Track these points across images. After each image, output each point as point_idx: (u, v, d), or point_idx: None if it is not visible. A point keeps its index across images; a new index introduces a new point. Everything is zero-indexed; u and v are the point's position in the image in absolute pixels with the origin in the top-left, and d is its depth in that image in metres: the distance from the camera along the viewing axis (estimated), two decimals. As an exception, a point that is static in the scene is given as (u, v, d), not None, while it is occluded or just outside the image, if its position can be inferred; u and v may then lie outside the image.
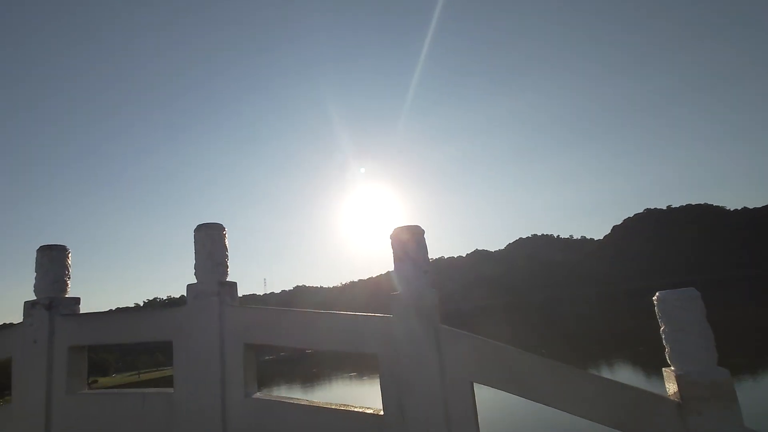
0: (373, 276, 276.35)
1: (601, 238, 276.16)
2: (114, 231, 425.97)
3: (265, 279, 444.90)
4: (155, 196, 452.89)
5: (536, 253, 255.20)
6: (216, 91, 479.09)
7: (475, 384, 3.84)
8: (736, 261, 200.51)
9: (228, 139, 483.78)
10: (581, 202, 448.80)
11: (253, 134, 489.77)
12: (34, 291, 5.15)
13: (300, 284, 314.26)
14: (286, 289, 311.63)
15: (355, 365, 75.32)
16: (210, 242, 4.72)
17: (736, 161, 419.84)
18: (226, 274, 4.76)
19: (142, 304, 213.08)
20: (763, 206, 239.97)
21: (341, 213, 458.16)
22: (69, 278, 5.31)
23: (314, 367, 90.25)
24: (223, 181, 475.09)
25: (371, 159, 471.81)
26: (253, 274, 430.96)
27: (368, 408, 4.07)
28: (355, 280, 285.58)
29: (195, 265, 4.73)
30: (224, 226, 4.90)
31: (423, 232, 4.27)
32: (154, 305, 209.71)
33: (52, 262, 5.18)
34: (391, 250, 4.27)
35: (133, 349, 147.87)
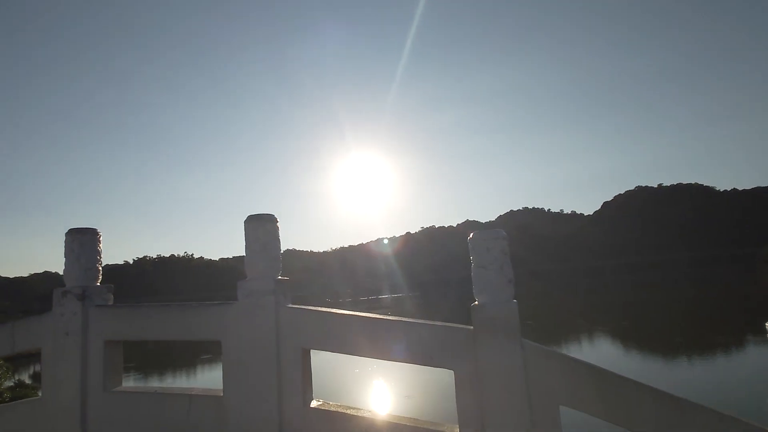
0: (364, 242, 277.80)
1: (591, 213, 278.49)
2: (102, 185, 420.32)
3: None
4: (139, 148, 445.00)
5: (527, 226, 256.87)
6: (203, 48, 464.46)
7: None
8: (722, 240, 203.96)
9: (216, 96, 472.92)
10: (573, 177, 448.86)
11: (241, 92, 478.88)
12: (64, 278, 4.74)
13: (290, 248, 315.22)
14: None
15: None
16: (264, 235, 4.31)
17: (729, 142, 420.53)
18: (280, 269, 4.38)
19: (132, 262, 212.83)
20: (752, 188, 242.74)
21: (332, 178, 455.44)
22: (101, 265, 4.90)
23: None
24: (209, 137, 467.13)
25: (364, 125, 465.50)
26: (241, 235, 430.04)
27: (441, 425, 3.78)
28: (346, 246, 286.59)
29: (246, 259, 4.34)
30: (277, 218, 4.48)
31: (506, 237, 3.89)
32: (144, 264, 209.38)
33: (83, 247, 4.75)
34: (472, 257, 3.89)
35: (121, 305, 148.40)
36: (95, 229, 4.86)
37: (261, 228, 4.31)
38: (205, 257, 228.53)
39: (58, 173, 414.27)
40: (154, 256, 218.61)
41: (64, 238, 4.77)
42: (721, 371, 36.03)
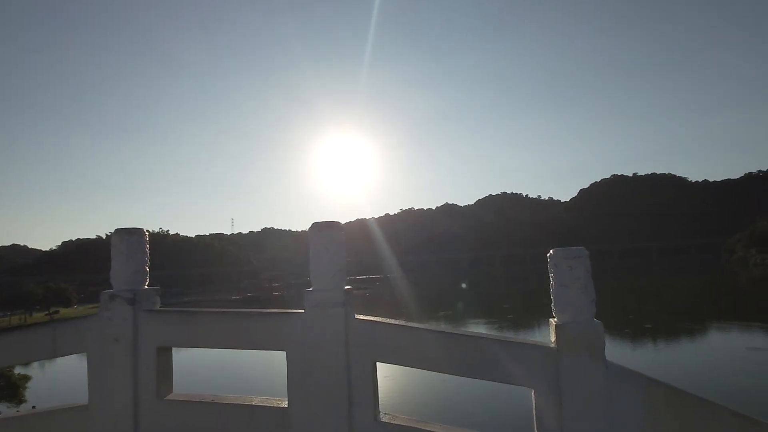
0: (342, 222, 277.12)
1: (568, 200, 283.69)
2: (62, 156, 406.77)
3: (233, 219, 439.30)
4: (117, 122, 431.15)
5: (504, 211, 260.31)
6: (179, 25, 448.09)
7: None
8: (691, 230, 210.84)
9: (195, 74, 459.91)
10: (552, 164, 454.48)
11: (216, 72, 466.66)
12: (112, 281, 4.52)
13: (268, 226, 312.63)
14: (254, 230, 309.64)
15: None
16: (332, 244, 4.18)
17: (704, 133, 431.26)
18: (345, 280, 4.25)
19: (104, 237, 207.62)
20: (722, 180, 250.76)
21: (311, 158, 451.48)
22: (148, 266, 4.70)
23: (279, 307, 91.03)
24: (187, 116, 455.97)
25: (339, 106, 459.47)
26: (220, 212, 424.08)
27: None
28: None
29: (312, 268, 4.20)
30: (342, 226, 4.34)
31: (588, 256, 3.83)
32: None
33: (132, 249, 4.53)
34: (552, 273, 3.83)
35: (93, 279, 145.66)
36: (142, 229, 4.64)
37: (329, 237, 4.17)
38: (180, 234, 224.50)
39: (31, 142, 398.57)
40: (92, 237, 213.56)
41: (111, 239, 4.54)
42: (687, 355, 37.69)
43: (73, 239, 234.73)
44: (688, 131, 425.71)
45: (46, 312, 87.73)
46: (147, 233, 4.63)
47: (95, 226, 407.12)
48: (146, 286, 4.63)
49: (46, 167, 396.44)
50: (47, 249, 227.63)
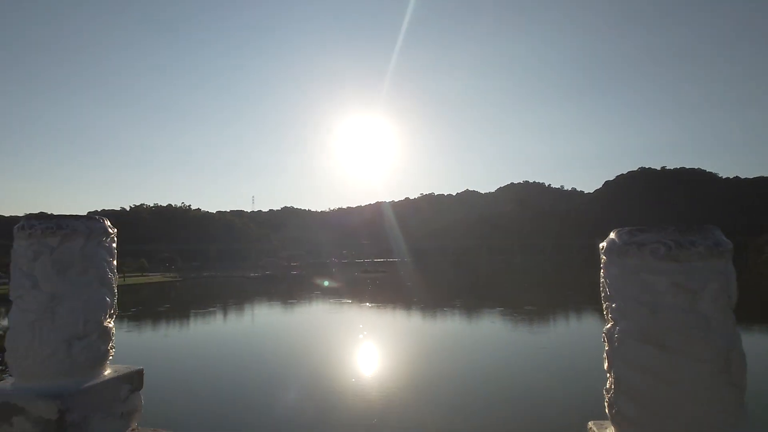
0: (362, 205, 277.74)
1: (592, 191, 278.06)
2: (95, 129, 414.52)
3: (253, 196, 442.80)
4: (144, 99, 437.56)
5: (525, 200, 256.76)
6: (206, 5, 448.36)
7: None
8: (721, 228, 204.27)
9: (219, 53, 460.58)
10: (577, 153, 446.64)
11: (244, 50, 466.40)
12: None
13: (288, 205, 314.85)
14: (274, 208, 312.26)
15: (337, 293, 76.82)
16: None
17: (738, 129, 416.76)
18: None
19: (128, 209, 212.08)
20: (754, 177, 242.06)
21: (333, 139, 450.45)
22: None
23: (296, 286, 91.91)
24: (212, 93, 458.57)
25: (365, 87, 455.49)
26: (242, 189, 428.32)
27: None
28: (344, 207, 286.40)
29: None
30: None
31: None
32: (141, 212, 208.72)
33: None
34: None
35: (116, 251, 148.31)
36: None
37: None
38: (202, 209, 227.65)
39: (63, 117, 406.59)
40: (151, 205, 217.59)
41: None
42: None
43: (98, 210, 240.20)
44: (720, 126, 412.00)
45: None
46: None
47: (120, 199, 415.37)
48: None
49: (76, 141, 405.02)
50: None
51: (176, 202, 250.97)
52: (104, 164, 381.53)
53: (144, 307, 67.18)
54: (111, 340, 3.23)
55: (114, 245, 3.50)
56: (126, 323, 52.60)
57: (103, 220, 3.37)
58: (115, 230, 3.50)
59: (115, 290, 3.38)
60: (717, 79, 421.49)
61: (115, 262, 3.44)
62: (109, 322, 3.23)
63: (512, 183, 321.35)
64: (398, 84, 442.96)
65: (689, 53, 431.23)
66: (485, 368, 30.60)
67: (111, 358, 3.26)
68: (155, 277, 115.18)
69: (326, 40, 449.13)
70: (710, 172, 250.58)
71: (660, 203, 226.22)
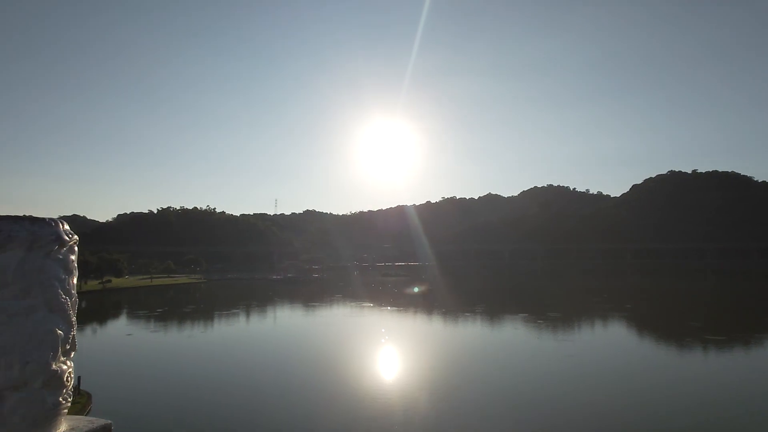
0: (383, 208, 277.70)
1: (618, 195, 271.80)
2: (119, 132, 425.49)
3: (276, 200, 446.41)
4: (169, 102, 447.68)
5: (549, 203, 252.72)
6: (229, 7, 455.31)
7: None
8: (754, 233, 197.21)
9: (242, 55, 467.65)
10: (602, 157, 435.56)
11: (266, 51, 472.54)
12: None
13: (310, 208, 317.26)
14: (297, 211, 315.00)
15: (363, 297, 76.75)
16: None
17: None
18: None
19: (156, 212, 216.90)
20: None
21: (355, 142, 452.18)
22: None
23: (317, 289, 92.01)
24: (236, 96, 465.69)
25: (385, 90, 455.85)
26: (265, 192, 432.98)
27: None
28: (365, 210, 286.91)
29: None
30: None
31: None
32: (168, 214, 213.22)
33: None
34: None
35: (144, 252, 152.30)
36: None
37: None
38: (227, 212, 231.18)
39: (87, 118, 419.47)
40: (178, 208, 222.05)
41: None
42: (738, 363, 34.31)
43: (128, 212, 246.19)
44: (756, 127, 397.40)
45: (100, 281, 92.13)
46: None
47: (148, 201, 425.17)
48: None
49: (107, 145, 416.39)
50: (104, 221, 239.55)
51: (201, 205, 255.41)
52: (134, 169, 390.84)
53: (170, 307, 68.56)
54: (66, 386, 2.39)
55: (73, 257, 2.53)
56: (153, 323, 53.75)
57: (57, 224, 2.42)
58: (76, 237, 2.54)
59: (73, 317, 2.46)
60: (752, 78, 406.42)
61: (74, 280, 2.52)
62: (63, 363, 2.37)
63: (536, 187, 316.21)
64: (417, 87, 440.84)
65: (721, 51, 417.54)
66: (512, 375, 30.07)
67: (65, 411, 2.43)
68: (181, 278, 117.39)
69: (347, 42, 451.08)
70: (745, 176, 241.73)
71: (691, 208, 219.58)
